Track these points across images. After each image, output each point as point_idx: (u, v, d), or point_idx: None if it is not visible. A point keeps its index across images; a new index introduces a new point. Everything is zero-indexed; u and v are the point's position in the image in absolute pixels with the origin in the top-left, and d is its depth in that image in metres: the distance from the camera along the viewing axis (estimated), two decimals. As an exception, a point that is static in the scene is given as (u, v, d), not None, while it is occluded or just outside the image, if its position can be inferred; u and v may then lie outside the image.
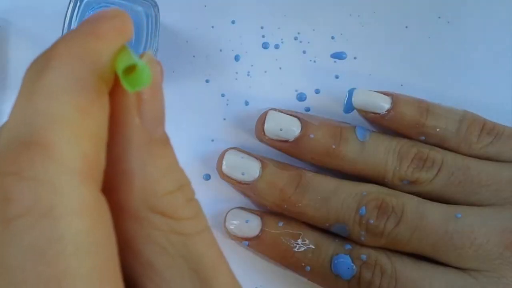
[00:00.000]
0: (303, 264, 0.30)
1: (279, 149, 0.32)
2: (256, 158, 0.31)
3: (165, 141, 0.17)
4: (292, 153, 0.32)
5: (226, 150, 0.32)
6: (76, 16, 0.29)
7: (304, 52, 0.34)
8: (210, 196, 0.33)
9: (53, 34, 0.32)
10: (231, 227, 0.31)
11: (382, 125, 0.32)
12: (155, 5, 0.29)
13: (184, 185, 0.17)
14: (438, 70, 0.34)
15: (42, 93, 0.15)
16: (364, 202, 0.30)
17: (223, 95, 0.34)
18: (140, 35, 0.29)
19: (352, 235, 0.30)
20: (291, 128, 0.31)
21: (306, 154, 0.31)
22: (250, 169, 0.31)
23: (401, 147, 0.31)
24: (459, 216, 0.29)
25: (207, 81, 0.33)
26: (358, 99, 0.31)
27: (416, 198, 0.30)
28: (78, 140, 0.14)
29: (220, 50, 0.33)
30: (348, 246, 0.30)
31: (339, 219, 0.30)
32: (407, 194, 0.30)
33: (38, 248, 0.14)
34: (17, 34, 0.33)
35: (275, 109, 0.32)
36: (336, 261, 0.30)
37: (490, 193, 0.30)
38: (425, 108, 0.31)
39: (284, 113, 0.32)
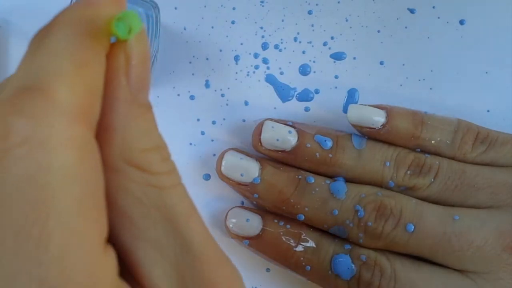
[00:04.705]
0: (303, 264, 0.30)
1: (276, 159, 0.32)
2: (255, 159, 0.31)
3: (148, 107, 0.19)
4: (289, 162, 0.32)
5: (225, 151, 0.32)
6: None
7: (303, 52, 0.34)
8: (210, 196, 0.33)
9: (53, 34, 0.32)
10: (231, 225, 0.31)
11: (378, 138, 0.32)
12: (156, 6, 0.30)
13: (160, 147, 0.19)
14: (438, 71, 0.34)
15: (45, 51, 0.17)
16: (363, 204, 0.30)
17: (223, 95, 0.34)
18: None
19: (350, 237, 0.30)
20: (288, 138, 0.31)
21: (303, 162, 0.31)
22: (249, 170, 0.31)
23: (397, 154, 0.31)
24: (457, 218, 0.30)
25: (207, 81, 0.34)
26: (353, 115, 0.32)
27: (414, 200, 0.30)
28: (74, 88, 0.17)
29: (220, 50, 0.34)
30: (348, 246, 0.30)
31: (337, 221, 0.30)
32: (405, 196, 0.30)
33: (30, 175, 0.16)
34: (17, 34, 0.33)
35: (271, 119, 0.32)
36: (336, 261, 0.30)
37: (486, 196, 0.30)
38: (419, 120, 0.31)
39: (280, 123, 0.32)
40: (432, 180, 0.30)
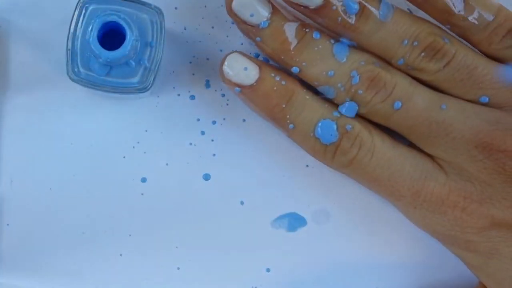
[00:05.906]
0: (288, 122, 0.31)
1: (297, 11, 0.31)
2: (269, 1, 0.31)
3: None
4: (308, 17, 0.31)
5: None
6: (82, 23, 0.29)
7: (303, 52, 0.34)
8: (210, 196, 0.33)
9: (53, 34, 0.32)
10: (227, 70, 0.31)
11: (416, 5, 0.31)
12: (160, 13, 0.30)
13: None
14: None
15: None
16: (360, 72, 0.30)
17: (223, 95, 0.34)
18: (146, 43, 0.30)
19: (336, 99, 0.31)
20: None
21: (322, 22, 0.31)
22: (259, 12, 0.30)
23: (418, 34, 0.30)
24: (444, 107, 0.30)
25: (207, 81, 0.34)
26: None
27: (409, 79, 0.31)
28: None
29: (221, 51, 0.34)
30: (336, 114, 0.31)
31: (330, 82, 0.31)
32: (402, 74, 0.31)
33: None
34: (17, 34, 0.33)
35: None
36: (321, 125, 0.30)
37: (486, 96, 0.30)
38: None
39: None
40: (442, 68, 0.30)
